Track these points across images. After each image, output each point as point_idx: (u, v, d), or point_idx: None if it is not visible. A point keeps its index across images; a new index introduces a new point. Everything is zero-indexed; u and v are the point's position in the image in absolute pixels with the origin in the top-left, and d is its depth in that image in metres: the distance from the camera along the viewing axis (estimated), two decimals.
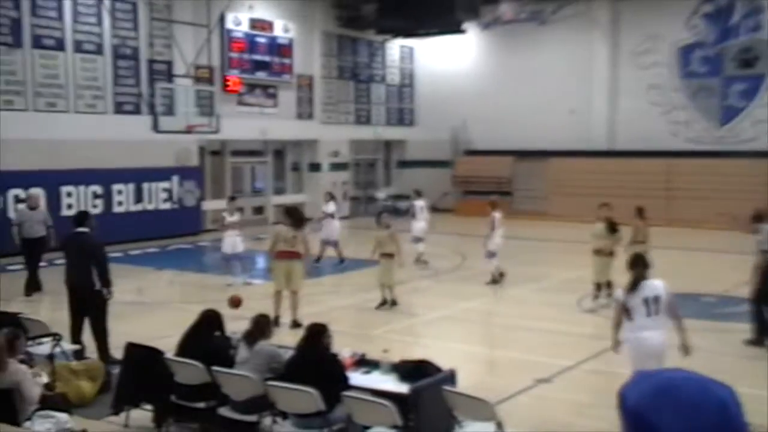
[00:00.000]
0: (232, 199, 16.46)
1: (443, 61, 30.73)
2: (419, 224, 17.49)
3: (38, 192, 16.00)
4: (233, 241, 14.88)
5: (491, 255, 14.73)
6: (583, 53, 27.38)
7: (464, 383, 6.75)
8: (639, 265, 7.17)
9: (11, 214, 18.19)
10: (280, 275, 11.36)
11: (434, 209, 29.02)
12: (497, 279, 14.80)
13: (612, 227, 12.82)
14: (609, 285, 12.54)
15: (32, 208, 14.60)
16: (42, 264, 14.08)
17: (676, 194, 24.44)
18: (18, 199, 18.41)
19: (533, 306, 13.34)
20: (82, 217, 9.87)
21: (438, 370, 6.74)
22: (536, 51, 28.11)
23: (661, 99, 26.42)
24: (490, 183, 28.47)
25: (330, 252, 17.30)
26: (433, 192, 29.74)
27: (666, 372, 1.90)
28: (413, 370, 6.68)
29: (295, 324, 10.75)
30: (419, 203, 17.89)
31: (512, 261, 15.52)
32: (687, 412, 1.75)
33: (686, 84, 26.15)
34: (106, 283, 9.38)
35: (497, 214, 14.73)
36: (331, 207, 17.57)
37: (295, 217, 11.67)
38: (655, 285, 7.07)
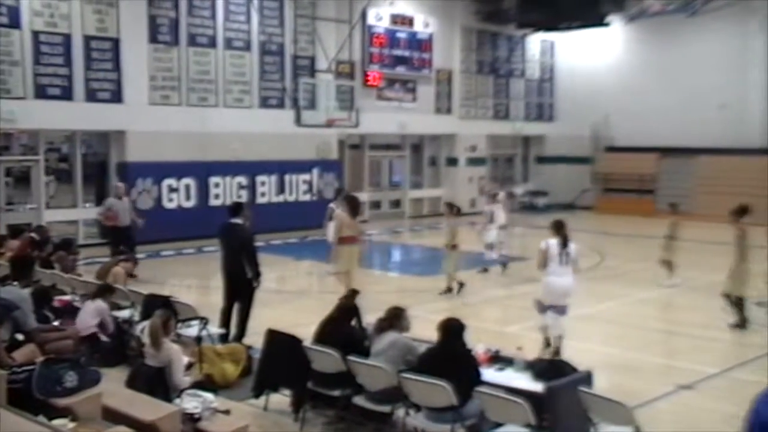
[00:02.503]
0: (339, 191, 16.64)
1: (585, 55, 29.98)
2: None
3: (122, 185, 16.06)
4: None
5: (491, 247, 15.16)
6: (737, 45, 25.98)
7: (601, 385, 6.60)
8: (564, 228, 9.37)
9: (165, 202, 19.37)
10: (350, 258, 12.07)
11: (572, 206, 28.58)
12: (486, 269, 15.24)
13: None
14: None
15: (119, 197, 15.43)
16: (139, 256, 14.24)
17: None
18: (171, 189, 19.52)
19: (675, 309, 12.85)
20: (236, 208, 10.16)
21: (574, 370, 6.62)
22: (684, 44, 26.92)
23: None
24: (632, 180, 27.64)
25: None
26: (572, 189, 29.23)
27: None
28: (548, 369, 6.59)
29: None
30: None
31: (655, 261, 14.99)
32: None
33: None
34: (255, 273, 9.75)
35: (496, 206, 15.39)
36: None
37: (354, 204, 12.40)
38: (572, 245, 9.45)
